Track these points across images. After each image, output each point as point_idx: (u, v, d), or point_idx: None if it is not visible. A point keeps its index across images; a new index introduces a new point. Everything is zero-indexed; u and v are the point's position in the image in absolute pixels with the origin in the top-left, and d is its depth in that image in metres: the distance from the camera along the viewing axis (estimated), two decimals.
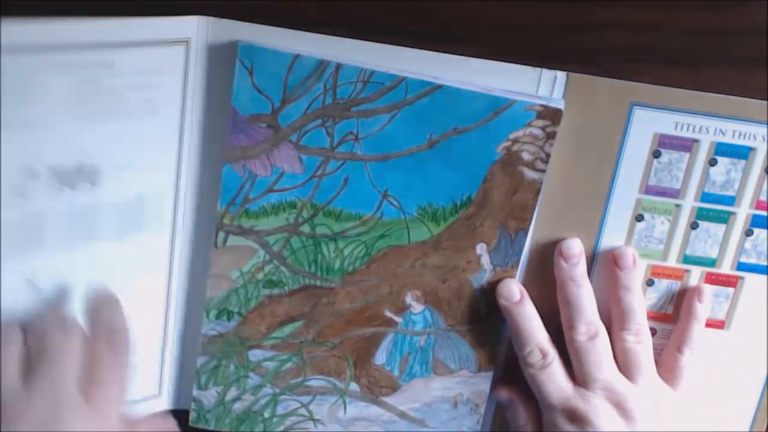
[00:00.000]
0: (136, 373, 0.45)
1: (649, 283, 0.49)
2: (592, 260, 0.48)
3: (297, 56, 0.43)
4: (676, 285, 0.49)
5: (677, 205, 0.48)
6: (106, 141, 0.44)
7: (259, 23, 0.44)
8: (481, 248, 0.48)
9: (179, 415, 0.52)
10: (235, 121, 0.45)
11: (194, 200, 0.48)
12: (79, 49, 0.42)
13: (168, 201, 0.48)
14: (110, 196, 0.45)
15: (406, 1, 0.45)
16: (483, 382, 0.50)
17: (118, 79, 0.43)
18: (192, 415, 0.52)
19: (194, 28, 0.45)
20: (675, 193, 0.48)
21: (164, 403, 0.53)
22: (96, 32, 0.42)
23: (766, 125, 0.46)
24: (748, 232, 0.48)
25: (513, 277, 0.48)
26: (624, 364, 0.47)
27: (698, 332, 0.48)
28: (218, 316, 0.49)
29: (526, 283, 0.48)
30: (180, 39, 0.45)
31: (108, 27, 0.42)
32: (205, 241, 0.49)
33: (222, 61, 0.45)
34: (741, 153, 0.47)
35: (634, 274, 0.47)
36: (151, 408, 0.52)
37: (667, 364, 0.49)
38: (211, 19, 0.45)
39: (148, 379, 0.52)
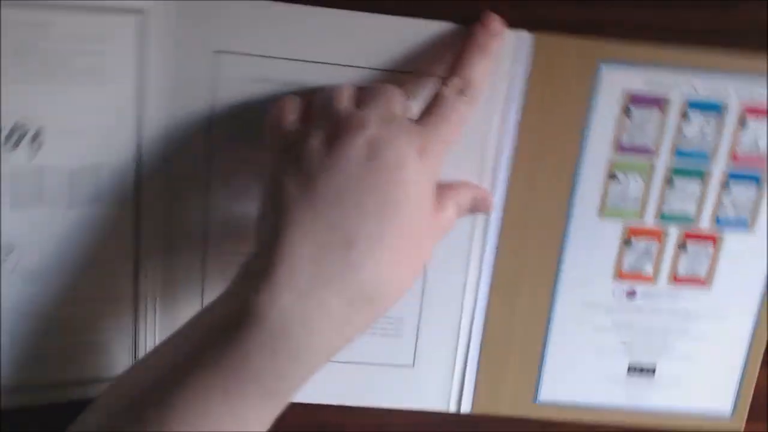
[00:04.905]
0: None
1: (627, 243, 0.49)
2: (565, 223, 0.48)
3: None
4: (653, 246, 0.49)
5: (651, 164, 0.47)
6: (48, 104, 0.44)
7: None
8: None
9: None
10: None
11: (156, 174, 0.47)
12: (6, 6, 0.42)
13: (129, 174, 0.47)
14: (58, 161, 0.45)
15: None
16: None
17: (58, 42, 0.43)
18: None
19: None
20: (649, 151, 0.47)
21: None
22: None
23: (737, 77, 0.45)
24: (725, 187, 0.48)
25: None
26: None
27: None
28: None
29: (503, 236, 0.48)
30: (130, 9, 0.43)
31: None
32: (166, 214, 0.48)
33: (188, 40, 0.44)
34: (714, 107, 0.46)
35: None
36: None
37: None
38: None
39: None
